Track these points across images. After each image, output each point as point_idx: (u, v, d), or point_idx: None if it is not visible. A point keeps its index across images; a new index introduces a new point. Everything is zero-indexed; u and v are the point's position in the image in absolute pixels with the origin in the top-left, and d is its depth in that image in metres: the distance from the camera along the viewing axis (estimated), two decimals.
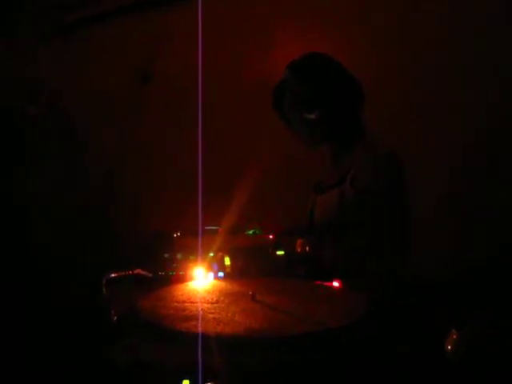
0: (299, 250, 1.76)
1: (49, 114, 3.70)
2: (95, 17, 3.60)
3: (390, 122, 2.35)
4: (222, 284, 1.43)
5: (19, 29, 3.90)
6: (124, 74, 3.30)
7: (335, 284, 1.38)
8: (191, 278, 1.43)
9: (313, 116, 1.83)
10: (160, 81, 3.24)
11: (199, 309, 1.22)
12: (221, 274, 1.45)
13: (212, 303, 1.26)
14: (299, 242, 1.79)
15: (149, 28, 3.36)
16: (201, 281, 1.43)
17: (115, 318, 1.20)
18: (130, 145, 3.31)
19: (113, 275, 1.35)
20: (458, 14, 2.45)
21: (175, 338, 1.11)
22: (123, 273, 1.39)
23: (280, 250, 1.71)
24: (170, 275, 1.49)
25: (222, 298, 1.30)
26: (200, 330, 1.09)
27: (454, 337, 1.06)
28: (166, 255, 1.65)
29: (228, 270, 1.58)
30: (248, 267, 1.61)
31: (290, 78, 1.88)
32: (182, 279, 1.43)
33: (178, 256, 1.62)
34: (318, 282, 1.44)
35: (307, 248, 1.73)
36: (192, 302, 1.27)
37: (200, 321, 1.14)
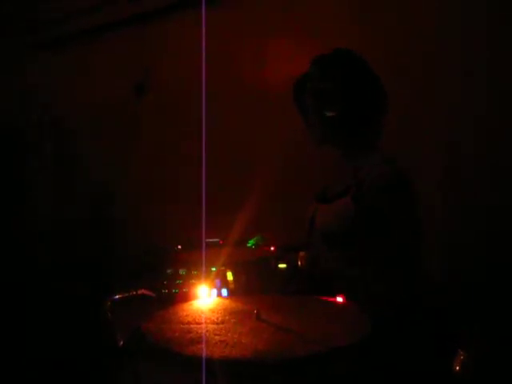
0: (301, 264, 1.76)
1: (44, 128, 3.68)
2: (92, 29, 3.57)
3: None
4: (226, 302, 1.43)
5: (11, 40, 3.87)
6: (122, 86, 3.28)
7: (339, 299, 1.38)
8: (195, 296, 1.43)
9: (330, 113, 1.77)
10: (159, 91, 3.22)
11: (205, 330, 1.22)
12: (224, 291, 1.45)
13: (217, 323, 1.26)
14: (301, 255, 1.78)
15: (145, 40, 3.34)
16: (205, 299, 1.43)
17: (121, 342, 1.19)
18: (129, 157, 3.30)
19: (116, 296, 1.35)
20: (457, 14, 2.44)
21: (182, 362, 1.11)
22: (127, 294, 1.38)
23: (282, 262, 1.71)
24: (173, 293, 1.48)
25: (227, 318, 1.30)
26: (206, 353, 1.09)
27: (462, 357, 1.06)
28: (169, 271, 1.64)
29: (231, 285, 1.57)
30: (251, 282, 1.61)
31: (314, 72, 1.83)
32: (186, 297, 1.43)
33: (181, 272, 1.61)
34: (321, 298, 1.44)
35: (308, 262, 1.72)
36: (197, 323, 1.27)
37: (206, 344, 1.14)
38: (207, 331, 1.21)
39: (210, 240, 1.92)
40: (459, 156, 2.45)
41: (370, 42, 2.60)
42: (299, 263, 1.77)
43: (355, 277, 1.65)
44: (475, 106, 2.41)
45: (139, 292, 1.41)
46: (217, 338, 1.17)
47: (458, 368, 1.06)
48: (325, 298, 1.43)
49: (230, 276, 1.59)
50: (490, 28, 2.37)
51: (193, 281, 1.53)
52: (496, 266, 2.28)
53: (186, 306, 1.41)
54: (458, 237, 2.43)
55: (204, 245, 1.70)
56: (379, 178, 1.67)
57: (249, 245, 2.01)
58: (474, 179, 2.41)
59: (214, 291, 1.44)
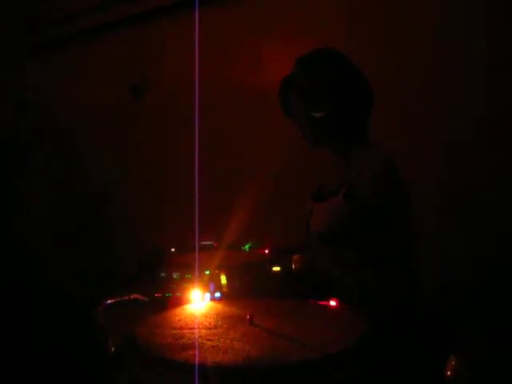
0: (295, 267, 1.74)
1: (42, 128, 3.68)
2: (92, 29, 3.57)
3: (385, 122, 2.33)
4: (219, 307, 1.42)
5: (11, 40, 3.87)
6: (122, 85, 3.28)
7: (332, 303, 1.37)
8: (188, 301, 1.42)
9: (316, 114, 1.75)
10: (159, 91, 3.21)
11: (197, 336, 1.21)
12: (218, 294, 1.44)
13: (210, 328, 1.25)
14: (295, 258, 1.77)
15: (145, 40, 3.33)
16: (198, 303, 1.42)
17: (113, 348, 1.18)
18: (129, 157, 3.29)
19: (109, 301, 1.34)
20: (457, 14, 2.43)
21: (174, 368, 1.10)
22: (120, 298, 1.38)
23: (276, 266, 1.70)
24: (166, 297, 1.47)
25: (219, 323, 1.29)
26: (198, 359, 1.08)
27: (453, 363, 1.05)
28: (162, 274, 1.63)
29: (225, 289, 1.57)
30: (244, 286, 1.60)
31: (298, 71, 1.81)
32: (179, 302, 1.42)
33: (174, 275, 1.60)
34: (315, 302, 1.43)
35: (303, 264, 1.71)
36: (190, 329, 1.26)
37: (198, 349, 1.13)
38: (199, 336, 1.20)
39: (205, 243, 1.92)
40: (459, 156, 2.43)
41: (370, 42, 2.59)
42: (293, 266, 1.76)
43: (353, 284, 1.64)
44: (475, 106, 2.40)
45: (132, 296, 1.41)
46: (209, 343, 1.16)
47: (449, 374, 1.05)
48: (319, 302, 1.43)
49: (223, 279, 1.58)
50: (490, 28, 2.35)
51: (186, 285, 1.52)
52: (496, 265, 2.27)
53: (178, 310, 1.40)
54: (458, 237, 2.42)
55: (198, 248, 1.69)
56: (370, 174, 1.65)
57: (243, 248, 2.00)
58: (474, 179, 2.39)
59: (208, 295, 1.43)
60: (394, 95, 2.48)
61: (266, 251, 1.94)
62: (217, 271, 1.60)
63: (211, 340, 1.18)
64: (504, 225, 2.32)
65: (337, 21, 2.73)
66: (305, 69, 1.80)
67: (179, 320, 1.32)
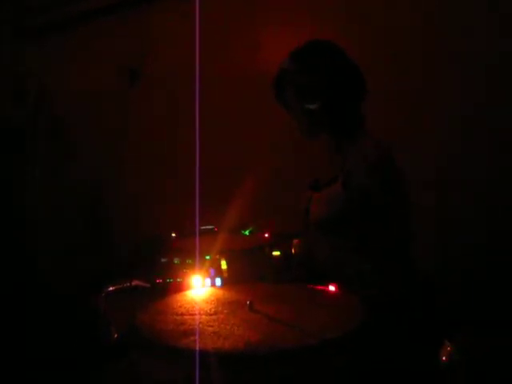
0: (295, 251, 1.76)
1: (36, 115, 3.64)
2: (83, 15, 3.51)
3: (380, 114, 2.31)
4: (219, 292, 1.44)
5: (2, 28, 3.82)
6: (118, 71, 3.24)
7: (331, 288, 1.39)
8: (189, 286, 1.44)
9: (312, 106, 1.75)
10: (154, 78, 3.19)
11: (198, 322, 1.23)
12: (218, 280, 1.45)
13: (210, 315, 1.27)
14: (295, 242, 1.78)
15: (137, 27, 3.28)
16: (199, 289, 1.44)
17: (115, 335, 1.21)
18: (127, 145, 3.28)
19: (111, 288, 1.36)
20: (458, 13, 2.40)
21: (175, 354, 1.12)
22: (121, 285, 1.39)
23: (276, 250, 1.71)
24: (167, 283, 1.49)
25: (220, 309, 1.31)
26: (199, 346, 1.10)
27: (448, 348, 1.07)
28: (163, 260, 1.65)
29: (225, 274, 1.58)
30: (244, 270, 1.61)
31: (291, 66, 1.81)
32: (180, 287, 1.44)
33: (175, 261, 1.62)
34: (315, 287, 1.45)
35: (303, 249, 1.73)
36: (191, 315, 1.28)
37: (199, 336, 1.15)
38: (200, 323, 1.22)
39: (205, 227, 1.93)
40: (459, 155, 2.42)
41: (369, 42, 2.55)
42: (293, 251, 1.78)
43: (351, 274, 1.66)
44: (475, 106, 2.37)
45: (133, 283, 1.42)
46: (210, 329, 1.18)
47: (444, 359, 1.07)
48: (318, 287, 1.44)
49: (223, 265, 1.60)
50: (489, 27, 2.33)
51: (187, 270, 1.54)
52: (496, 265, 2.28)
53: (179, 296, 1.42)
54: (458, 236, 2.41)
55: (198, 232, 1.70)
56: (364, 161, 1.66)
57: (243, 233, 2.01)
58: (475, 179, 2.38)
59: (208, 280, 1.45)
60: (395, 95, 2.47)
61: (266, 235, 1.96)
62: (217, 256, 1.62)
63: (212, 326, 1.20)
64: (504, 225, 2.32)
65: (336, 20, 2.68)
66: (296, 63, 1.80)
67: (180, 306, 1.34)
